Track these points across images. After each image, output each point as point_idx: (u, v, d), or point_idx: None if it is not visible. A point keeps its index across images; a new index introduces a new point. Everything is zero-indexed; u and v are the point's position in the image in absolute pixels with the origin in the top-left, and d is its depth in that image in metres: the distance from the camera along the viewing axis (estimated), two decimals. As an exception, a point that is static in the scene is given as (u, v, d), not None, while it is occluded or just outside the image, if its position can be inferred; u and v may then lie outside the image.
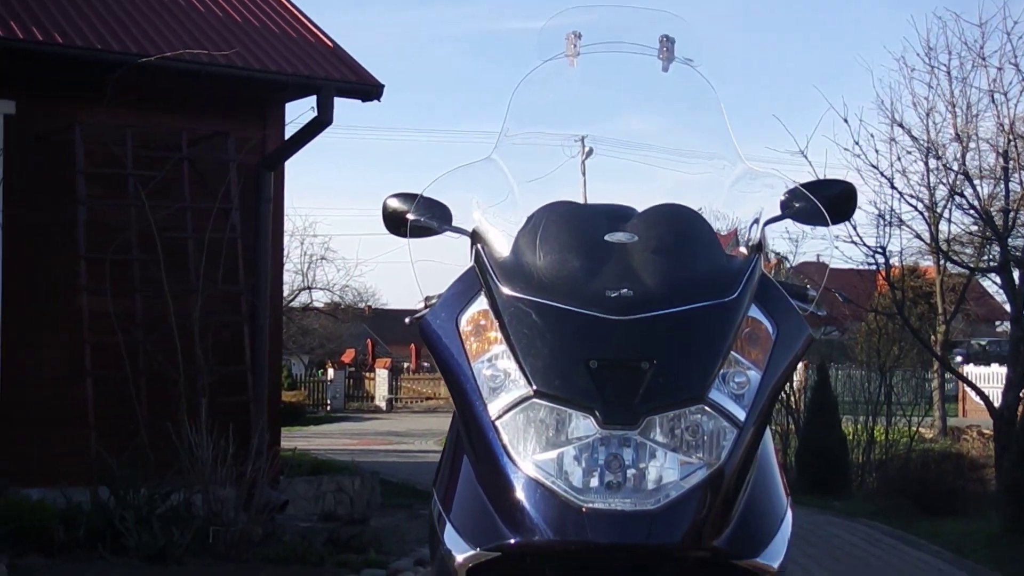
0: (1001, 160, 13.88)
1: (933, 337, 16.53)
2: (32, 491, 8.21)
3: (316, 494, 10.19)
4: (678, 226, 2.70)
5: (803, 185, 2.88)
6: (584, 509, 2.32)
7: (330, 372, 40.23)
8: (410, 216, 2.90)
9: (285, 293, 17.33)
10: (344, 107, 9.80)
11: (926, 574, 7.40)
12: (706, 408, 2.41)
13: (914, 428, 16.91)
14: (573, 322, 2.47)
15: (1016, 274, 13.75)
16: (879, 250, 14.82)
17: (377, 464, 13.54)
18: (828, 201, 2.86)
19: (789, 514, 2.60)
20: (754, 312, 2.58)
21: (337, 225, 76.18)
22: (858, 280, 18.53)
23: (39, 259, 9.02)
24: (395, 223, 2.94)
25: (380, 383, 40.08)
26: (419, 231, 2.90)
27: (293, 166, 10.41)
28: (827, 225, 2.87)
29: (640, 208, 2.80)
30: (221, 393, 8.93)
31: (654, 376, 2.39)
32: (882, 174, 14.23)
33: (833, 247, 16.05)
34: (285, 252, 11.31)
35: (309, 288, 38.38)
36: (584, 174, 3.45)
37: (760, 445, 2.56)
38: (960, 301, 16.93)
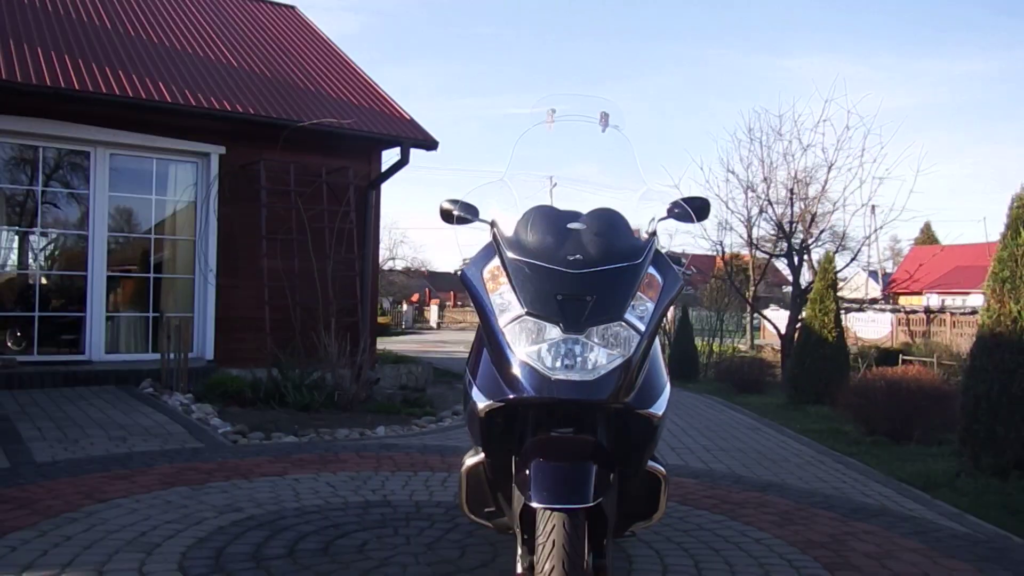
0: (789, 193, 13.87)
1: (748, 293, 16.55)
2: (232, 370, 8.25)
3: (396, 374, 10.20)
4: (609, 220, 2.68)
5: (681, 199, 2.87)
6: (553, 378, 2.32)
7: (404, 306, 40.17)
8: (455, 212, 2.88)
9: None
10: (416, 154, 9.75)
11: (741, 424, 7.42)
12: (623, 324, 2.40)
13: (735, 344, 16.96)
14: (548, 273, 2.46)
15: (795, 258, 13.78)
16: (719, 244, 14.89)
17: (431, 358, 13.53)
18: (694, 208, 2.84)
19: (668, 387, 2.60)
20: (651, 270, 2.57)
21: (411, 220, 75.66)
22: (707, 260, 18.59)
23: (239, 238, 8.98)
24: (446, 216, 2.92)
25: (433, 313, 40.17)
26: (461, 220, 2.88)
27: (387, 187, 10.32)
28: (693, 222, 2.86)
29: (584, 212, 2.79)
30: (342, 316, 8.92)
31: (594, 305, 2.39)
32: (720, 199, 14.29)
33: (693, 240, 16.22)
34: (381, 237, 11.29)
35: (393, 258, 38.67)
36: (551, 196, 3.44)
37: (653, 347, 2.56)
38: (763, 274, 16.93)
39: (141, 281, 9.15)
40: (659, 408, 2.47)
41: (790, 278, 14.34)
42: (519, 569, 2.36)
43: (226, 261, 8.92)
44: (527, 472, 2.31)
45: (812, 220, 13.79)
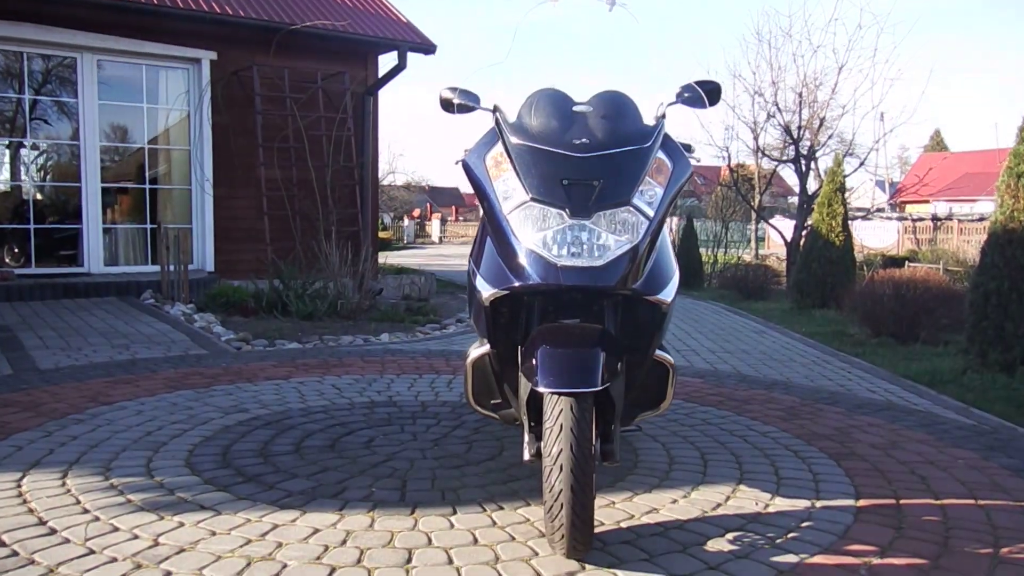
0: (797, 97, 13.59)
1: (753, 202, 16.41)
2: (234, 281, 8.24)
3: (399, 285, 10.20)
4: (617, 103, 2.58)
5: (692, 83, 2.74)
6: (559, 265, 2.27)
7: (406, 221, 40.07)
8: (455, 100, 2.77)
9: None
10: (413, 59, 9.50)
11: (747, 328, 7.42)
12: (630, 209, 2.33)
13: (739, 255, 16.91)
14: (553, 158, 2.38)
15: (803, 165, 13.61)
16: (725, 150, 14.69)
17: (433, 270, 13.52)
18: (706, 92, 2.73)
19: (676, 275, 2.54)
20: (660, 154, 2.48)
21: (410, 133, 74.25)
22: (712, 171, 18.40)
23: (234, 147, 8.83)
24: (446, 105, 2.80)
25: (435, 227, 40.09)
26: (462, 109, 2.77)
27: (385, 94, 10.10)
28: (705, 107, 2.73)
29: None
30: (343, 225, 8.86)
31: (601, 190, 2.31)
32: (727, 104, 14.04)
33: (698, 147, 16.06)
34: (380, 151, 11.12)
35: (393, 172, 38.31)
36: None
37: (661, 234, 2.49)
38: (769, 181, 16.76)
39: (137, 193, 9.05)
40: (667, 295, 2.42)
41: (796, 187, 14.21)
42: (526, 455, 2.36)
43: (223, 171, 8.80)
44: (534, 360, 2.28)
45: (820, 125, 13.56)
